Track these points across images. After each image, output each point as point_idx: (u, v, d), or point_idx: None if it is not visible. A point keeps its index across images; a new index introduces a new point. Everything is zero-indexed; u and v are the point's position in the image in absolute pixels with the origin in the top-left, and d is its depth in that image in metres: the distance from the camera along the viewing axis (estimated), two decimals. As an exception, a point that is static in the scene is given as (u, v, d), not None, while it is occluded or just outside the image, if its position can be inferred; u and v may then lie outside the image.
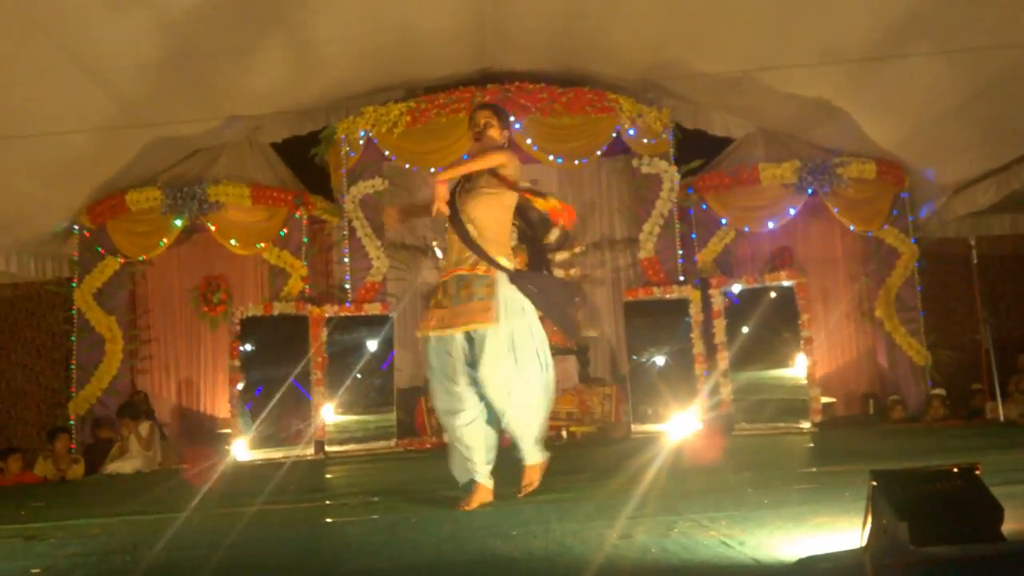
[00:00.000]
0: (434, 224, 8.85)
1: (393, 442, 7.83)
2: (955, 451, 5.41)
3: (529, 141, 8.27)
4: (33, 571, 3.03)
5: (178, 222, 8.20)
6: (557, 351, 8.26)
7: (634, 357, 8.31)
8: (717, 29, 7.38)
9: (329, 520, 3.89)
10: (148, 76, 7.03)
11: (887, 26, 6.65)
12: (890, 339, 8.80)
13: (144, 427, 7.54)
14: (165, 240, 8.31)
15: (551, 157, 8.36)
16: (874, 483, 2.39)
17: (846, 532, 2.77)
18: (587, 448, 7.20)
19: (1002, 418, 7.34)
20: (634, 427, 7.96)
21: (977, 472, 2.48)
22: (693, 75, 8.09)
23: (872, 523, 2.36)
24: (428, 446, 7.75)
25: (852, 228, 8.82)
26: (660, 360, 8.34)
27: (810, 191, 8.48)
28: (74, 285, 8.45)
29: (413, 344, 8.89)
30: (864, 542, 2.36)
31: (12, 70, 6.32)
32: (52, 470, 7.34)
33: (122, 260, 8.45)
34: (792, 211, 8.60)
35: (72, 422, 8.13)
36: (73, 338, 8.40)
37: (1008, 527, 2.43)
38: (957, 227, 9.23)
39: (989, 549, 2.19)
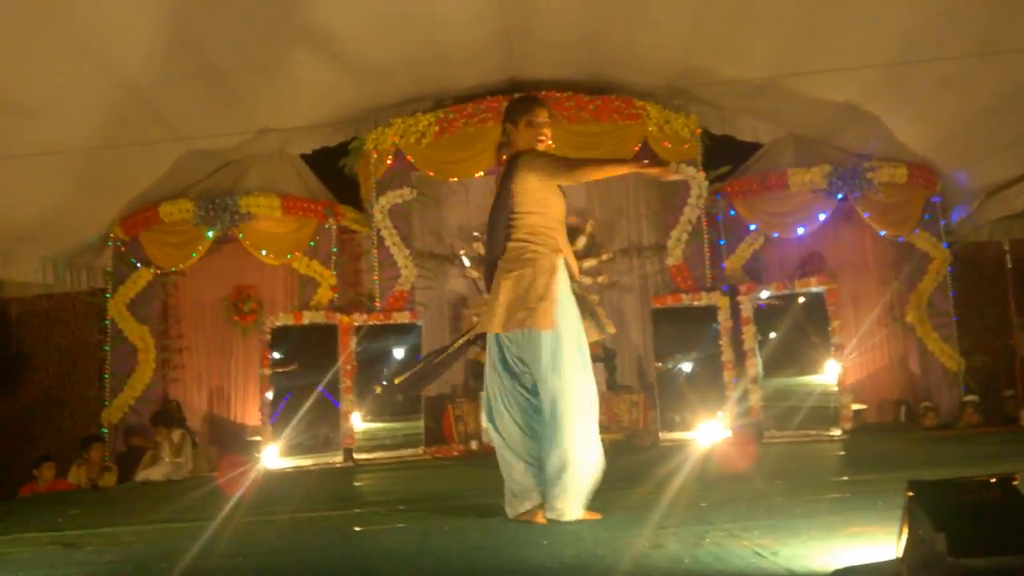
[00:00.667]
0: (461, 233, 8.92)
1: (421, 450, 7.86)
2: (990, 459, 5.32)
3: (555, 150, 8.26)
4: (73, 578, 3.08)
5: (210, 233, 8.32)
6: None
7: (661, 364, 8.28)
8: (743, 35, 7.35)
9: (359, 528, 3.91)
10: (181, 90, 7.14)
11: (916, 28, 6.58)
12: (922, 345, 8.68)
13: (176, 434, 7.64)
14: (197, 251, 8.43)
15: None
16: (911, 493, 2.37)
17: (880, 543, 2.74)
18: (614, 456, 7.08)
19: (1038, 425, 7.22)
20: (662, 435, 7.92)
21: (1015, 482, 2.45)
22: (720, 81, 8.07)
23: (909, 534, 2.34)
24: (456, 454, 7.77)
25: (883, 233, 8.73)
26: (688, 367, 8.31)
27: (840, 196, 8.41)
28: (108, 295, 8.60)
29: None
30: (901, 553, 2.34)
31: (50, 85, 6.45)
32: (85, 478, 7.45)
33: (155, 271, 8.58)
34: (822, 216, 8.53)
35: (105, 430, 8.25)
36: (107, 348, 8.53)
37: (1047, 538, 2.39)
38: (990, 231, 9.10)
39: (1028, 561, 2.16)
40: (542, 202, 3.65)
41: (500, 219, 3.68)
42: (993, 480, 2.44)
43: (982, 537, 2.26)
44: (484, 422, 3.76)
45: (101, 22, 6.08)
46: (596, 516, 3.59)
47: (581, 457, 3.50)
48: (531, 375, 3.60)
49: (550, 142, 3.76)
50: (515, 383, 3.65)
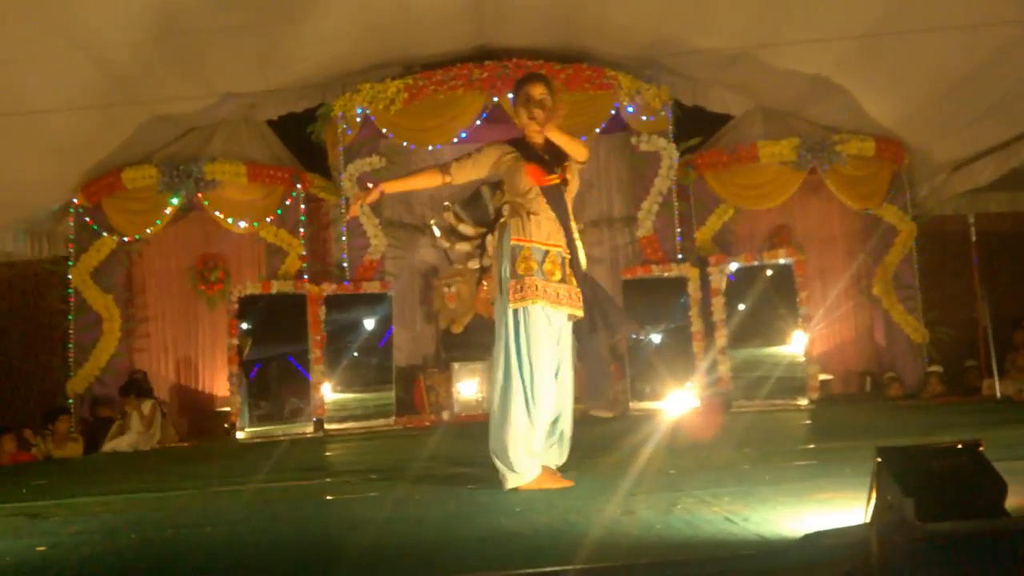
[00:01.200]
0: (432, 203, 8.84)
1: (392, 420, 7.85)
2: (953, 427, 5.44)
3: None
4: (39, 549, 3.03)
5: (174, 200, 8.16)
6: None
7: (632, 335, 8.32)
8: (715, 5, 7.32)
9: (330, 498, 3.89)
10: (142, 53, 6.95)
11: (886, 1, 6.60)
12: (888, 317, 8.82)
13: (147, 405, 7.55)
14: (161, 218, 8.27)
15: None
16: (879, 459, 2.40)
17: (849, 508, 2.78)
18: (585, 426, 7.20)
19: (998, 394, 7.38)
20: (632, 404, 7.99)
21: (981, 448, 2.49)
22: (692, 52, 8.04)
23: (877, 499, 2.37)
24: (427, 424, 7.77)
25: (850, 206, 8.81)
26: (658, 338, 8.38)
27: (809, 168, 8.46)
28: (71, 264, 8.40)
29: (411, 322, 8.92)
30: (869, 518, 2.37)
31: (5, 48, 6.24)
32: (52, 449, 7.33)
33: (118, 239, 8.40)
34: (791, 188, 8.57)
35: (71, 401, 8.12)
36: (70, 317, 8.36)
37: (1011, 502, 2.45)
38: (956, 205, 9.22)
39: (994, 525, 2.20)
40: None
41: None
42: (960, 446, 2.48)
43: (949, 501, 2.30)
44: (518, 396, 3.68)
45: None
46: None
47: None
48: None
49: (542, 117, 3.71)
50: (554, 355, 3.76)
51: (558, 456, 3.91)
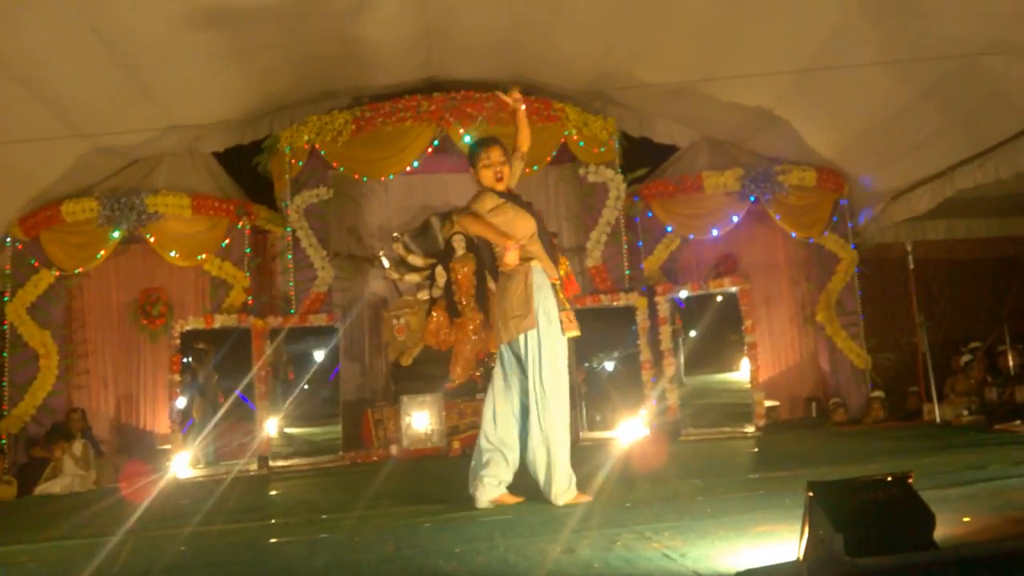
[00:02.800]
0: (381, 233, 8.81)
1: (339, 455, 7.72)
2: (892, 454, 5.52)
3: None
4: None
5: (115, 234, 7.98)
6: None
7: (583, 364, 8.34)
8: (660, 40, 7.45)
9: (273, 540, 3.79)
10: (84, 84, 6.83)
11: (824, 38, 6.79)
12: (831, 343, 8.97)
13: (77, 446, 7.30)
14: (102, 252, 8.08)
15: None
16: (811, 494, 2.41)
17: (786, 541, 2.79)
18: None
19: (938, 419, 7.53)
20: (583, 434, 7.98)
21: (910, 480, 2.52)
22: (637, 85, 8.16)
23: (809, 534, 2.39)
24: (375, 458, 7.65)
25: (793, 235, 8.98)
26: (608, 367, 8.40)
27: (752, 198, 8.62)
28: (6, 299, 8.15)
29: (359, 355, 8.82)
30: (801, 554, 2.38)
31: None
32: (-19, 492, 7.06)
33: (57, 273, 8.18)
34: (735, 218, 8.72)
35: (4, 441, 7.83)
36: (4, 354, 8.10)
37: (940, 532, 2.48)
38: (895, 233, 9.45)
39: (921, 557, 2.22)
40: (504, 226, 4.21)
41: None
42: (889, 479, 2.51)
43: (878, 535, 2.33)
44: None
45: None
46: (587, 497, 4.16)
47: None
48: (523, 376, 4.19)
49: (506, 176, 4.33)
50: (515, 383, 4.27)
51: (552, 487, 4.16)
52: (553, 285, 4.20)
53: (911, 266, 8.16)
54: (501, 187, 4.30)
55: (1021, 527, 3.01)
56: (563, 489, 4.08)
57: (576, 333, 4.19)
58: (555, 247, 4.44)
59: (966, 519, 3.07)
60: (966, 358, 8.52)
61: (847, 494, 2.43)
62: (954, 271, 10.00)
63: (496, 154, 4.31)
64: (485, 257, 4.54)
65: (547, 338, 4.11)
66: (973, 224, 9.85)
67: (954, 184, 8.10)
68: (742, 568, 2.45)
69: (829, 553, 2.23)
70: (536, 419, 4.09)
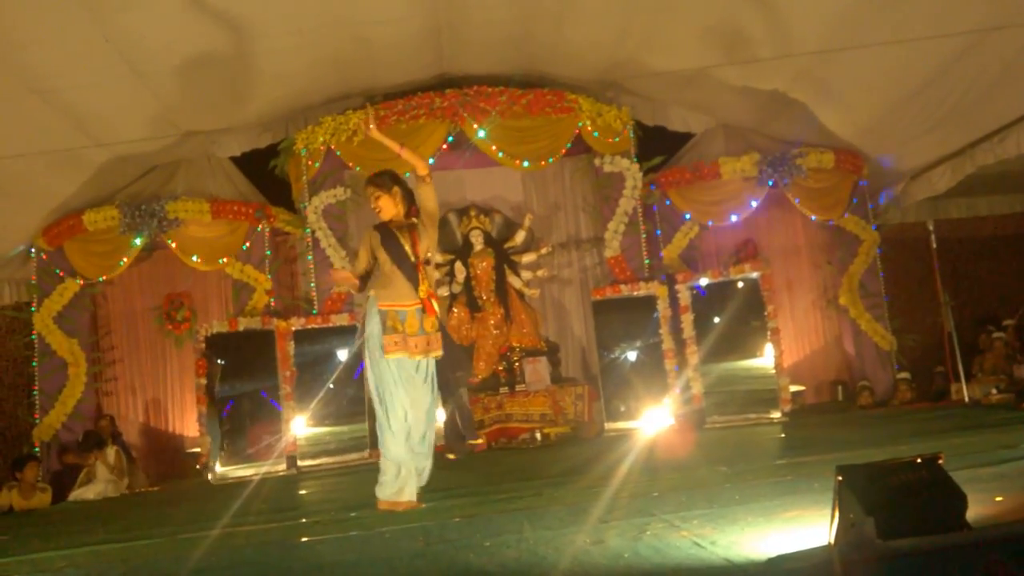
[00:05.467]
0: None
1: (366, 453, 7.76)
2: (921, 435, 5.47)
3: (494, 147, 8.26)
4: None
5: (137, 241, 8.07)
6: (527, 352, 8.33)
7: (605, 355, 8.34)
8: (670, 27, 7.40)
9: (304, 539, 3.83)
10: (99, 94, 6.90)
11: (840, 18, 6.71)
12: (855, 326, 8.90)
13: (111, 453, 7.41)
14: (125, 259, 8.17)
15: (518, 162, 8.34)
16: (840, 478, 2.41)
17: (816, 525, 2.78)
18: (560, 449, 7.20)
19: (966, 399, 7.45)
20: (607, 425, 7.98)
21: (940, 461, 2.50)
22: (650, 73, 8.11)
23: (839, 518, 2.38)
24: (402, 455, 7.67)
25: (813, 218, 8.91)
26: (631, 357, 8.38)
27: (771, 183, 8.55)
28: (33, 309, 8.27)
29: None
30: (832, 538, 2.37)
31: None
32: (19, 500, 7.17)
33: (81, 282, 8.28)
34: (754, 203, 8.66)
35: (37, 449, 7.95)
36: (34, 363, 8.21)
37: (972, 512, 2.46)
38: (916, 212, 9.37)
39: (953, 539, 2.21)
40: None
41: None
42: (918, 460, 2.49)
43: (909, 518, 2.32)
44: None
45: (14, 24, 5.82)
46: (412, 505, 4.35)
47: None
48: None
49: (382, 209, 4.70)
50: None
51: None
52: (386, 311, 4.44)
53: (934, 245, 8.07)
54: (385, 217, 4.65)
55: (1054, 505, 2.98)
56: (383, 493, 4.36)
57: (401, 355, 4.39)
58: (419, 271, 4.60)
59: (999, 498, 3.04)
60: (998, 335, 8.43)
61: (877, 477, 2.42)
62: (978, 249, 9.90)
63: (369, 190, 4.69)
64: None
65: (369, 359, 4.48)
66: (995, 201, 9.75)
67: (974, 161, 8.02)
68: (773, 554, 2.45)
69: (860, 537, 2.23)
70: None
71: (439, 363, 4.56)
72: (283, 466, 7.59)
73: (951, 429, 5.72)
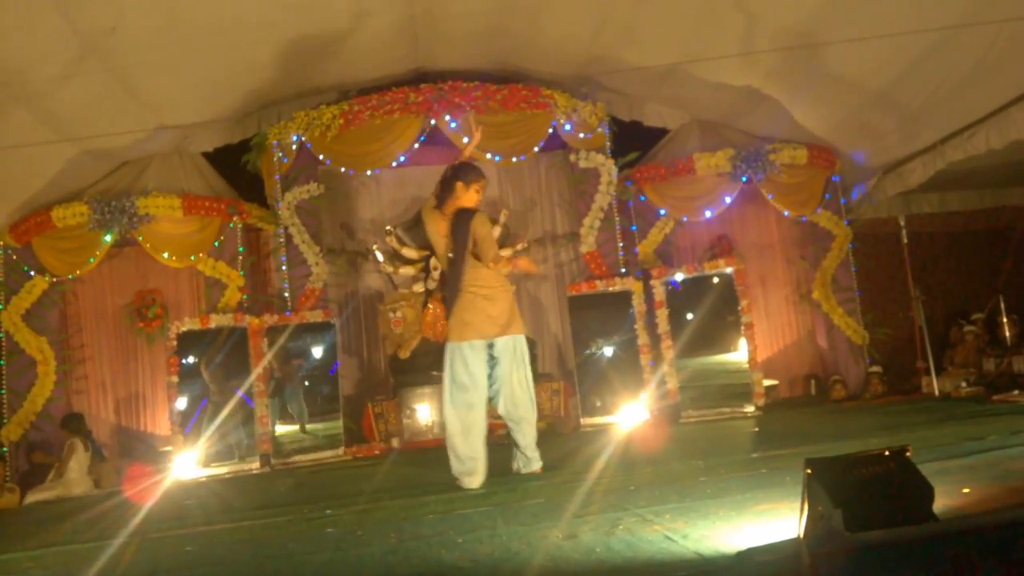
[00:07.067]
0: (373, 227, 8.78)
1: (341, 450, 7.72)
2: (891, 428, 5.54)
3: (467, 140, 8.20)
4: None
5: (107, 237, 7.94)
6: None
7: (581, 350, 8.35)
8: (646, 22, 7.41)
9: (277, 537, 3.79)
10: (69, 87, 6.78)
11: (812, 14, 6.75)
12: (828, 320, 8.98)
13: (81, 448, 7.30)
14: (95, 256, 8.04)
15: (488, 155, 8.30)
16: (808, 471, 2.42)
17: (787, 518, 2.80)
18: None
19: (937, 392, 7.54)
20: (583, 420, 8.00)
21: (908, 454, 2.53)
22: (625, 69, 8.12)
23: (808, 511, 2.39)
24: (377, 452, 7.65)
25: (787, 213, 8.97)
26: (607, 352, 8.40)
27: (744, 178, 8.60)
28: (0, 307, 8.13)
29: (357, 350, 8.82)
30: (801, 531, 2.39)
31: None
32: (-15, 500, 7.05)
33: (51, 279, 8.16)
34: (728, 199, 8.70)
35: (5, 449, 7.83)
36: (2, 362, 8.07)
37: (940, 504, 2.48)
38: (888, 207, 9.45)
39: (920, 531, 2.23)
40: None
41: (464, 255, 4.99)
42: (887, 453, 2.51)
43: (877, 509, 2.33)
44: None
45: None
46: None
47: None
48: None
49: None
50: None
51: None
52: None
53: (905, 240, 8.14)
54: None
55: (1020, 496, 3.02)
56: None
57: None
58: None
59: (965, 490, 3.08)
60: (968, 329, 8.54)
61: (845, 470, 2.44)
62: (949, 243, 10.01)
63: (485, 186, 5.16)
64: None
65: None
66: (966, 196, 9.85)
67: (945, 157, 8.09)
68: (743, 547, 2.46)
69: (828, 529, 2.24)
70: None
71: None
72: (257, 464, 7.53)
73: (921, 422, 5.79)
